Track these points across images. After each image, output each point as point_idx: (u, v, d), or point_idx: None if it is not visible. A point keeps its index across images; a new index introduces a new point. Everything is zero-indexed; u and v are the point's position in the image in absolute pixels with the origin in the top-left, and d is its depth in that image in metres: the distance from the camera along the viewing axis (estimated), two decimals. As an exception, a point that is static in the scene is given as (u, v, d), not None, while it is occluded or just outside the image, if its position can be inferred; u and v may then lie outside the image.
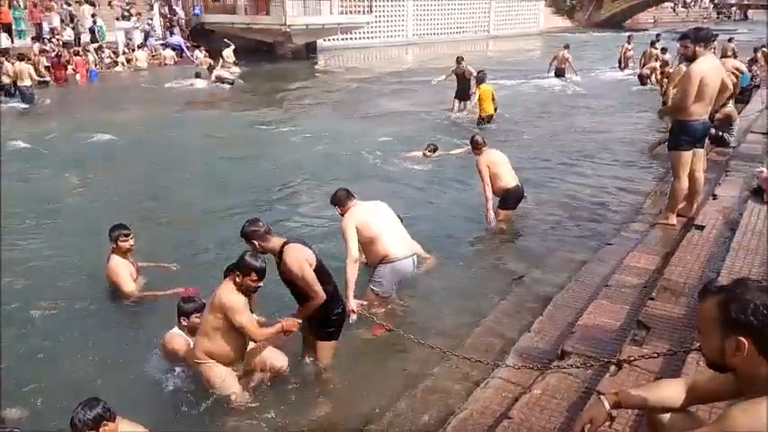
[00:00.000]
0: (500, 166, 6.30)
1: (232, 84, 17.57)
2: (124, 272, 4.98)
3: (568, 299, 4.49)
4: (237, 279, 3.52)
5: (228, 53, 19.48)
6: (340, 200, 4.55)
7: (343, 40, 26.87)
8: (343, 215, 4.52)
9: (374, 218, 4.54)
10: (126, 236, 4.98)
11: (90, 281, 5.29)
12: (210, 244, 6.15)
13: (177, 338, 3.97)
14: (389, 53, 27.69)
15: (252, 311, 3.68)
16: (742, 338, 1.53)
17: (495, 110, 11.42)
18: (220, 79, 17.57)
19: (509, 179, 6.32)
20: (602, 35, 32.28)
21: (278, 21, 22.85)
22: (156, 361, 4.06)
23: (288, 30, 22.79)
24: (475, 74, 11.96)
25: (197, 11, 25.15)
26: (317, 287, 3.65)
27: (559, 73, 17.18)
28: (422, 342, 3.87)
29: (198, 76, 17.76)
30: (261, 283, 3.57)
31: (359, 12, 25.90)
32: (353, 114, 13.47)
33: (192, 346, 3.80)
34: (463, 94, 12.48)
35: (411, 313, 4.80)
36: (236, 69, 19.34)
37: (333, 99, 15.84)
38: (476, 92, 11.55)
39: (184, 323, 3.98)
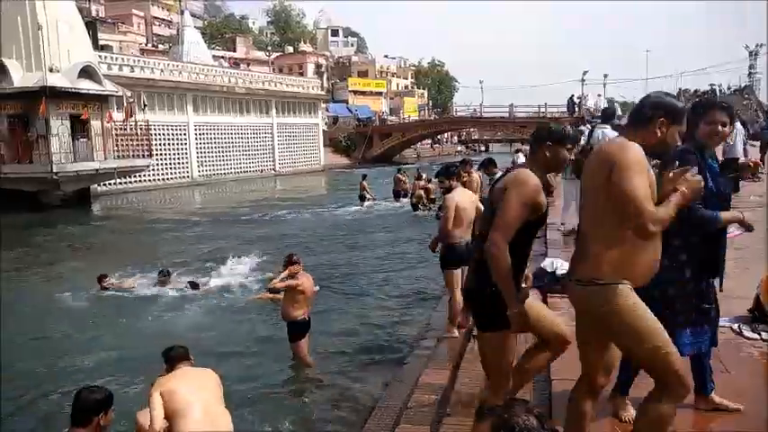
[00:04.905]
0: (309, 293, 6.30)
1: None
2: None
3: (376, 428, 4.49)
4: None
5: None
6: None
7: (122, 183, 25.69)
8: None
9: None
10: None
11: None
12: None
13: None
14: (174, 194, 27.05)
15: None
16: None
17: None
18: None
19: (302, 311, 6.29)
20: (376, 169, 35.86)
21: (43, 169, 21.13)
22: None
23: (55, 177, 21.10)
24: None
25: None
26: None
27: (362, 198, 20.18)
28: None
29: None
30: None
31: (138, 155, 25.22)
32: (131, 263, 12.49)
33: None
34: None
35: None
36: None
37: (106, 249, 14.65)
38: None
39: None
